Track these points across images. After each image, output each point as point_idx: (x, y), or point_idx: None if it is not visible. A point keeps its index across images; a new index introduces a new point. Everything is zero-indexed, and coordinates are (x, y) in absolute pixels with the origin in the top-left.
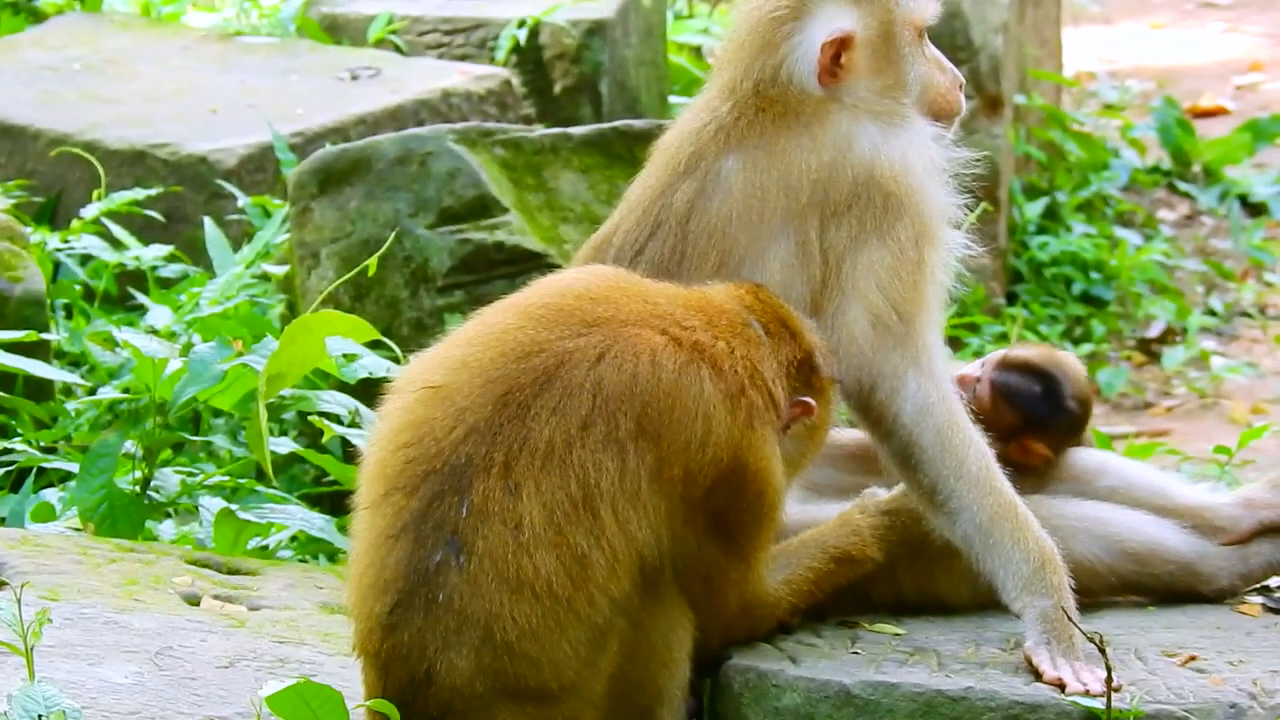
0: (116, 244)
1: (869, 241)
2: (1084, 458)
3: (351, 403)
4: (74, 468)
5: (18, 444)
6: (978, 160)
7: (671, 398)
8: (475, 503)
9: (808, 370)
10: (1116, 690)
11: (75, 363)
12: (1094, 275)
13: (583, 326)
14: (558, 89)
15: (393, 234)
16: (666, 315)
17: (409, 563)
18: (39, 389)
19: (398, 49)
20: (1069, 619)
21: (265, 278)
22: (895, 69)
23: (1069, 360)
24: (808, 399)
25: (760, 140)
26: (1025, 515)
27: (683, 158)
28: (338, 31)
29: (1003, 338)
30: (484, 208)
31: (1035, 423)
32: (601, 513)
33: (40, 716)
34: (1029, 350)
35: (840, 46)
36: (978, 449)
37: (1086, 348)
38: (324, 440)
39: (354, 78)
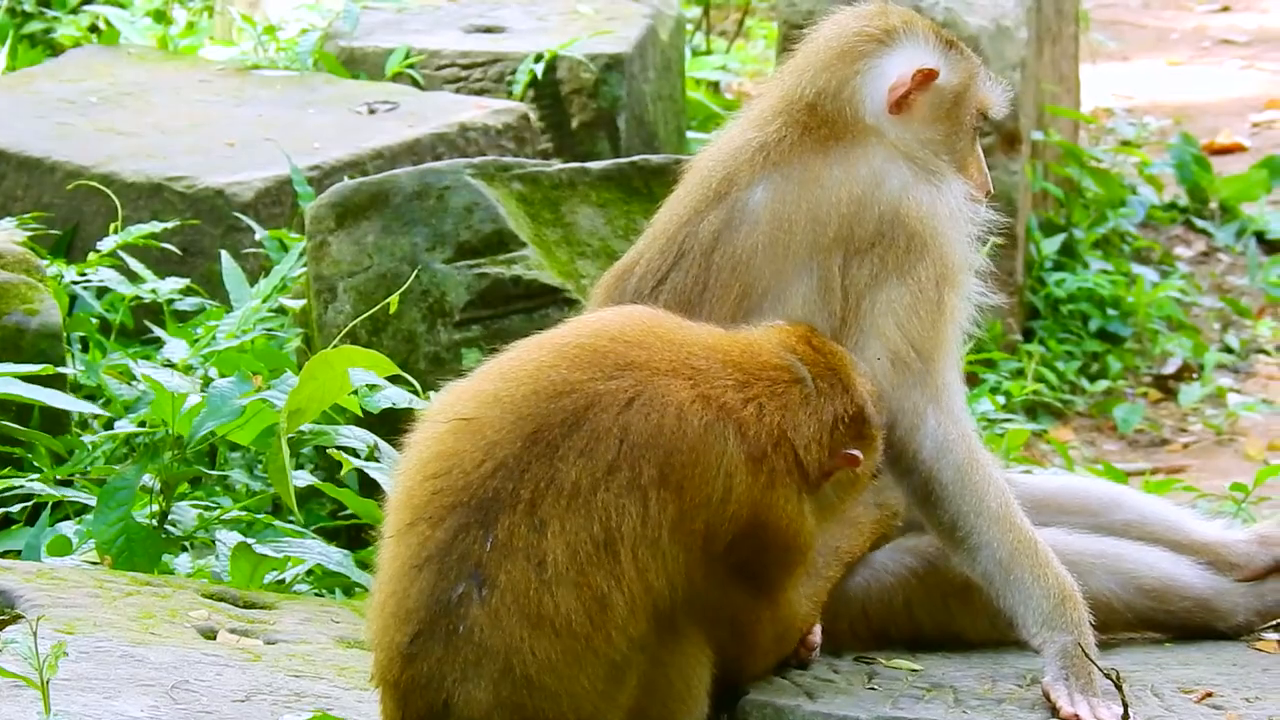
0: (133, 277)
1: (889, 280)
2: (1100, 491)
3: (370, 437)
4: (90, 501)
5: (34, 478)
6: (1002, 227)
7: (695, 452)
8: (500, 537)
9: (860, 423)
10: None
11: (91, 396)
12: (1111, 312)
13: (615, 369)
14: (575, 124)
15: (414, 271)
16: (700, 368)
17: (431, 593)
18: (55, 422)
19: (415, 83)
20: (1088, 656)
21: (282, 311)
22: (948, 130)
23: None
24: (854, 451)
25: (795, 166)
26: (1045, 551)
27: (714, 181)
28: (355, 65)
29: (1019, 374)
30: (501, 242)
31: None
32: (622, 557)
33: None
34: None
35: (924, 80)
36: (997, 486)
37: (1103, 384)
38: (341, 474)
39: (371, 111)
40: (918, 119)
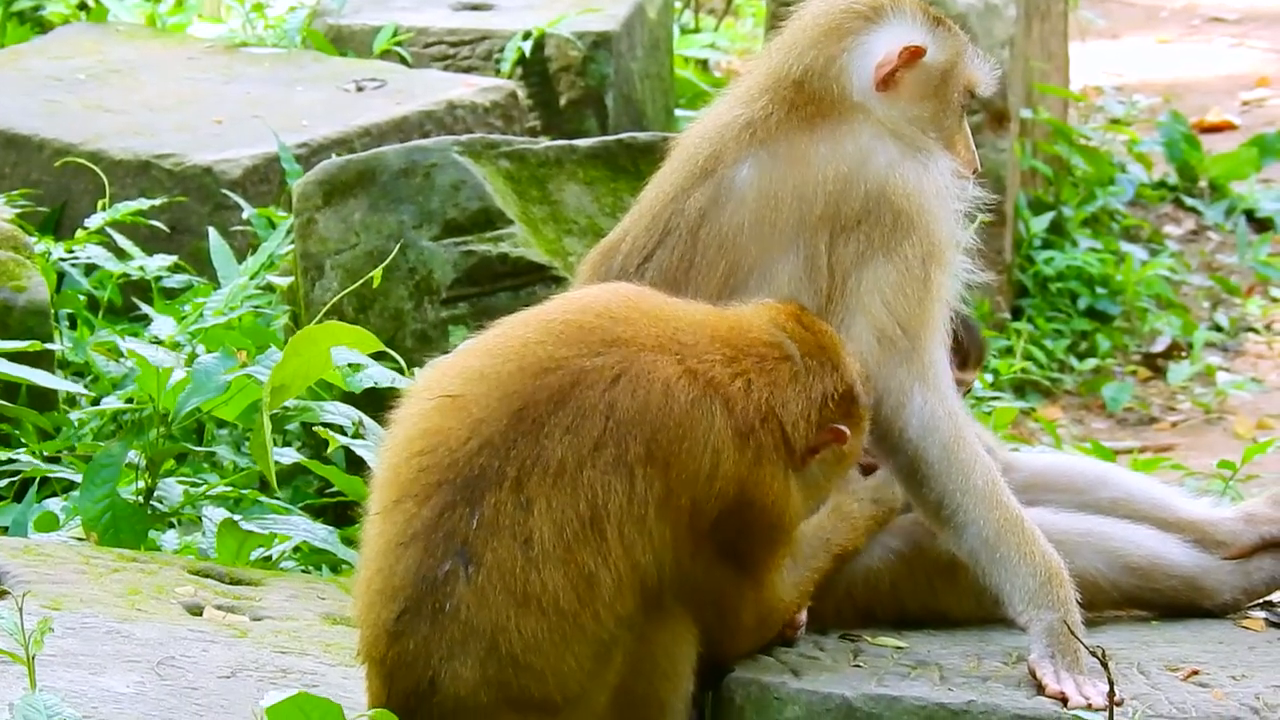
0: (121, 254)
1: (875, 258)
2: (1086, 469)
3: (355, 414)
4: (77, 477)
5: (21, 454)
6: (991, 205)
7: (682, 428)
8: (486, 515)
9: (848, 402)
10: (1119, 704)
11: (79, 373)
12: (1100, 290)
13: (601, 346)
14: (563, 101)
15: (398, 246)
16: (687, 344)
17: (418, 571)
18: (42, 399)
19: (403, 61)
20: (1074, 634)
21: (269, 289)
22: (935, 108)
23: None
24: (841, 426)
25: (781, 144)
26: (1031, 529)
27: (700, 158)
28: (343, 43)
29: (1008, 352)
30: (488, 220)
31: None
32: (609, 534)
33: None
34: None
35: (911, 57)
36: (984, 463)
37: (1091, 362)
38: (328, 451)
39: (359, 89)
40: (905, 97)
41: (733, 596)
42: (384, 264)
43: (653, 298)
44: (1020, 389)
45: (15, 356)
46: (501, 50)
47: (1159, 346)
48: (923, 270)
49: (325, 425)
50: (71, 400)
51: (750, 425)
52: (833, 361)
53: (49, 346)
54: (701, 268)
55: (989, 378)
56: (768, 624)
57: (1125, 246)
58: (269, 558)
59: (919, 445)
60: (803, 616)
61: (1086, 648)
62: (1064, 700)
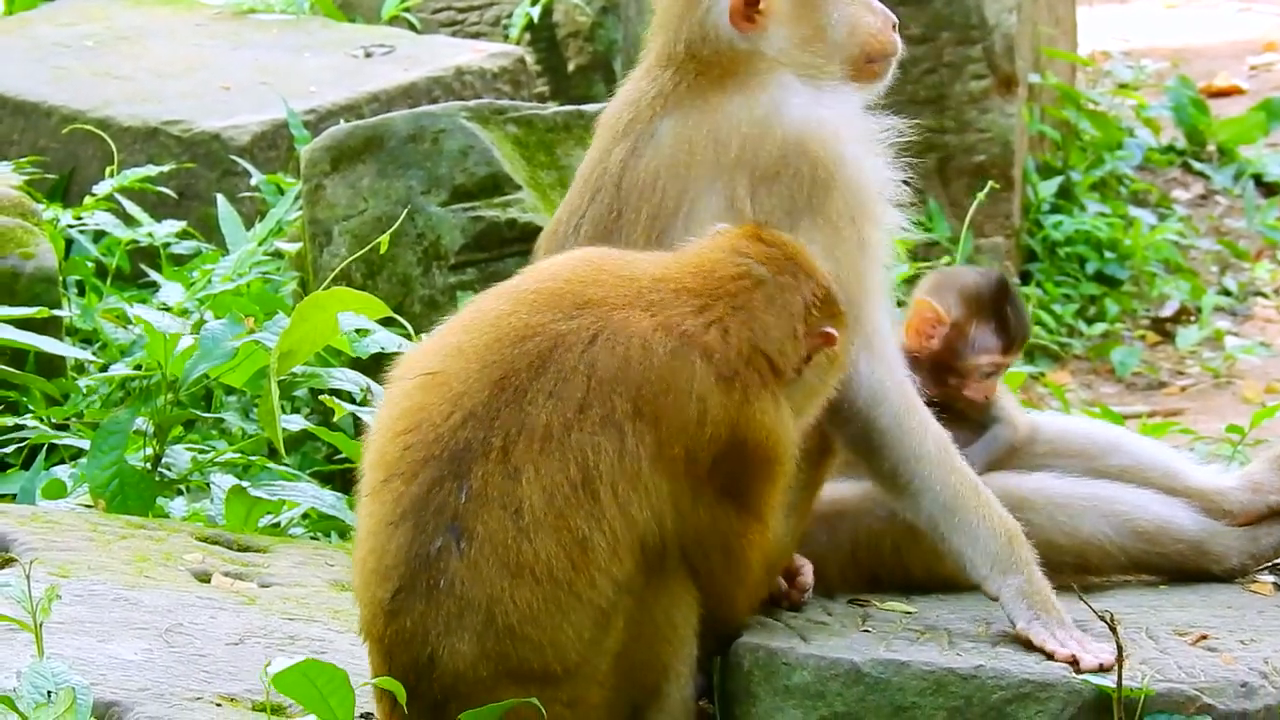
0: (129, 221)
1: (801, 219)
2: (1099, 435)
3: (363, 380)
4: (85, 444)
5: (29, 421)
6: (999, 170)
7: (665, 381)
8: (475, 488)
9: (829, 303)
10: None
11: (87, 340)
12: (1108, 255)
13: (574, 309)
14: (571, 67)
15: (405, 211)
16: (654, 300)
17: (410, 549)
18: (51, 366)
19: (411, 26)
20: (1040, 590)
21: (278, 255)
22: (815, 14)
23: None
24: (830, 329)
25: (697, 101)
26: (987, 493)
27: (621, 124)
28: (351, 9)
29: None
30: (496, 185)
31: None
32: (601, 495)
33: (49, 692)
34: (971, 274)
35: None
36: (934, 430)
37: (1100, 327)
38: (335, 419)
39: (368, 55)
40: (782, 21)
41: (739, 538)
42: (392, 229)
43: (615, 257)
44: (1029, 353)
45: (23, 323)
46: (509, 16)
47: (1168, 311)
48: (853, 230)
49: (333, 391)
50: (80, 367)
51: (734, 369)
52: (804, 269)
53: (57, 313)
54: (628, 215)
55: None
56: (774, 569)
57: (1133, 211)
58: (277, 524)
59: (869, 415)
60: (809, 578)
61: (1095, 612)
62: (1075, 664)
